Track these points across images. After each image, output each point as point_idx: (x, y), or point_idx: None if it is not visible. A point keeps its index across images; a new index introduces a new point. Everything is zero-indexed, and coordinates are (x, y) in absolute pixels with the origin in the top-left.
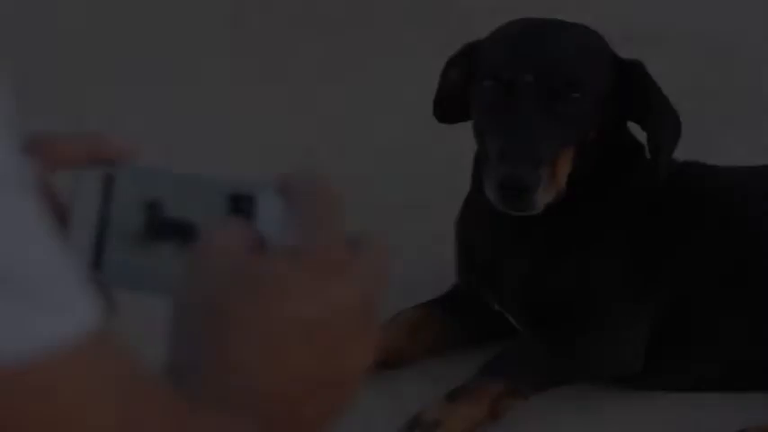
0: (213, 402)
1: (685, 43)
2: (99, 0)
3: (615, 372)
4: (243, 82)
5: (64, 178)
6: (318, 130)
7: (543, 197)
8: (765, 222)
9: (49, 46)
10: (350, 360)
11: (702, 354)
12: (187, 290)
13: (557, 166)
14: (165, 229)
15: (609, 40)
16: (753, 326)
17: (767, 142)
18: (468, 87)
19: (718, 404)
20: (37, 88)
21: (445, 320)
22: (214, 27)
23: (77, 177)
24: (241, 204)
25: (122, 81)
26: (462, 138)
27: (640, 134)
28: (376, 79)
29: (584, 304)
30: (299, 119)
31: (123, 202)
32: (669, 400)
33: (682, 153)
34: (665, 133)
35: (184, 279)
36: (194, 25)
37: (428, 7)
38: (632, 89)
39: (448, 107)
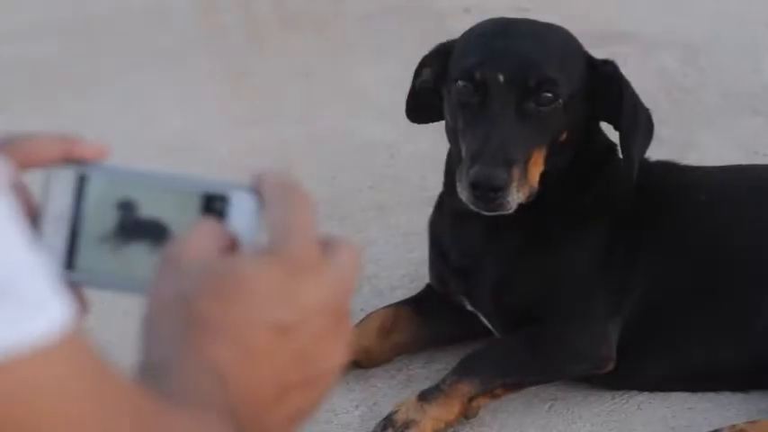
0: (185, 402)
1: (660, 43)
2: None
3: (587, 371)
4: (215, 81)
5: (37, 178)
6: (291, 129)
7: (516, 197)
8: (736, 223)
9: (20, 48)
10: (323, 361)
11: (673, 354)
12: (159, 290)
13: (529, 165)
14: (138, 229)
15: (582, 40)
16: (722, 326)
17: (742, 142)
18: (440, 88)
19: (691, 404)
20: (8, 89)
21: (417, 321)
22: (184, 27)
23: (50, 177)
24: (214, 204)
25: (94, 81)
26: (435, 138)
27: (613, 134)
28: (349, 79)
29: (556, 304)
30: (272, 118)
31: (96, 202)
32: (640, 400)
33: (656, 152)
34: (638, 133)
35: (157, 279)
36: (165, 26)
37: (402, 7)
38: (605, 88)
39: (421, 107)
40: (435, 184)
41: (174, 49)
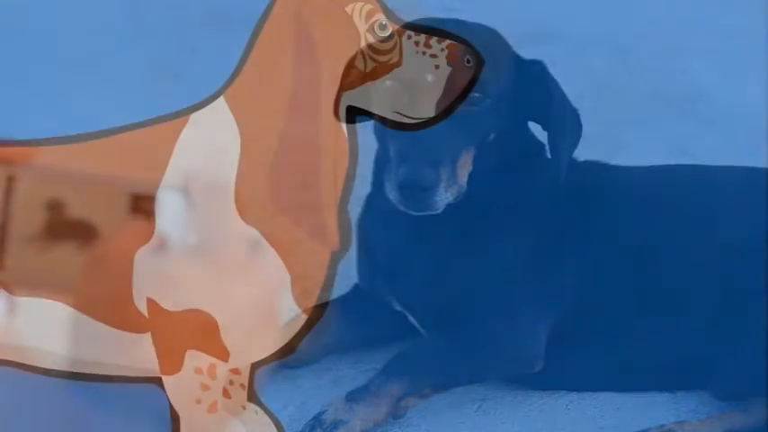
0: (118, 401)
1: (588, 43)
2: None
3: (515, 371)
4: (145, 82)
5: None
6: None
7: (444, 197)
8: (664, 223)
9: None
10: (250, 359)
11: (601, 354)
12: (87, 290)
13: (458, 165)
14: (67, 229)
15: (510, 40)
16: (650, 326)
17: (670, 142)
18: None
19: (619, 404)
20: None
21: (345, 321)
22: (113, 27)
23: None
24: (142, 204)
25: (22, 81)
26: (363, 138)
27: (542, 134)
28: (277, 77)
29: (485, 304)
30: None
31: (24, 202)
32: (569, 400)
33: (584, 152)
34: (565, 133)
35: (84, 279)
36: (94, 26)
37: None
38: (533, 89)
39: (348, 106)
40: (364, 184)
41: (104, 49)
